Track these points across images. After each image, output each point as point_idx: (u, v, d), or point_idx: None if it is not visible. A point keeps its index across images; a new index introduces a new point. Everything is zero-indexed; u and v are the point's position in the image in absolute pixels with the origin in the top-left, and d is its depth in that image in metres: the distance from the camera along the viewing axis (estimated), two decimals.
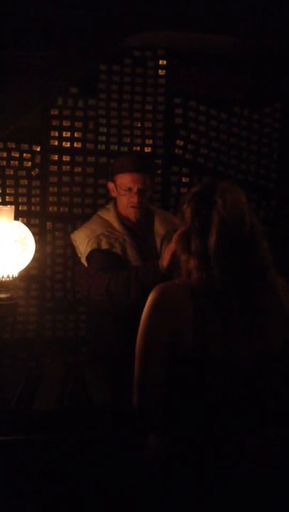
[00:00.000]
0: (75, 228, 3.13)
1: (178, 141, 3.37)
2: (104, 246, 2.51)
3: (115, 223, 2.58)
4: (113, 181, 2.60)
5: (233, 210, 1.61)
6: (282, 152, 3.51)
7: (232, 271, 1.62)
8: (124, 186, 2.53)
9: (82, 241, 2.55)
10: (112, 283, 2.40)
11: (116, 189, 2.58)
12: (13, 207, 2.28)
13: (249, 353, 1.63)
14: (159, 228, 2.63)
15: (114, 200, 2.66)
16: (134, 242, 2.56)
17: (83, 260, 2.53)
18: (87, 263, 2.52)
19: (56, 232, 3.26)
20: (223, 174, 3.39)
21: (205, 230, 1.61)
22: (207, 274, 1.61)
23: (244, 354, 1.63)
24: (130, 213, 2.56)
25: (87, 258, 2.51)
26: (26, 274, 2.95)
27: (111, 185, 2.62)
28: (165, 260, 2.24)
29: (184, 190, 3.38)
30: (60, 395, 2.41)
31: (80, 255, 2.56)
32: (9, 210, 2.25)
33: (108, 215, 2.62)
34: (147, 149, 3.33)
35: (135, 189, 2.52)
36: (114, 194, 2.62)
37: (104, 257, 2.49)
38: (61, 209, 3.26)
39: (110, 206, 2.66)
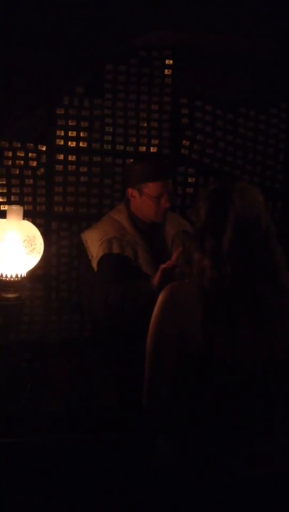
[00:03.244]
0: (80, 228, 3.13)
1: (184, 142, 3.35)
2: (116, 250, 2.50)
3: (127, 225, 2.57)
4: (136, 188, 2.56)
5: (250, 210, 1.60)
6: (288, 153, 3.49)
7: (244, 271, 1.61)
8: (155, 194, 2.52)
9: (94, 243, 2.54)
10: (110, 297, 2.41)
11: (140, 196, 2.55)
12: (21, 207, 2.28)
13: (257, 355, 1.62)
14: (169, 229, 2.63)
15: (125, 201, 2.64)
16: (146, 244, 2.55)
17: (94, 263, 2.53)
18: (97, 268, 2.52)
19: (61, 232, 3.24)
20: (229, 175, 3.38)
21: (220, 229, 1.60)
22: (219, 273, 1.60)
23: (252, 356, 1.62)
24: (158, 218, 2.56)
25: (98, 263, 2.51)
26: (31, 274, 2.93)
27: (132, 191, 2.57)
28: (156, 278, 2.27)
29: (189, 190, 3.36)
30: (67, 397, 2.41)
31: (90, 257, 2.55)
32: (18, 209, 2.25)
33: (120, 216, 2.61)
34: (153, 149, 3.31)
35: (167, 195, 2.52)
36: (135, 200, 2.58)
37: (115, 262, 2.49)
38: (67, 209, 3.24)
39: (121, 207, 2.64)
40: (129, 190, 2.59)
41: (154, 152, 3.28)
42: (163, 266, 2.27)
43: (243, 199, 1.60)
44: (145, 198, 2.52)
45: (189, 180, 3.37)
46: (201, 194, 1.69)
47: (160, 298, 1.67)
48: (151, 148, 3.31)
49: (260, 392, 1.65)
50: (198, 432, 1.66)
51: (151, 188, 2.51)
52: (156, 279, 2.29)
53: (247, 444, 1.65)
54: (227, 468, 1.65)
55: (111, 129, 3.26)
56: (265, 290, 1.64)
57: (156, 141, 3.32)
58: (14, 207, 2.25)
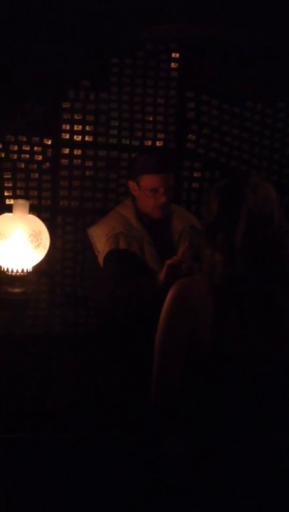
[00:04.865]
0: (85, 223, 3.12)
1: (190, 136, 3.33)
2: (122, 246, 2.49)
3: (133, 220, 2.55)
4: (135, 181, 2.56)
5: (262, 206, 1.58)
6: None
7: (256, 268, 1.59)
8: (150, 187, 2.50)
9: (100, 239, 2.52)
10: (116, 293, 2.41)
11: (138, 189, 2.54)
12: (27, 201, 2.26)
13: (267, 352, 1.61)
14: (176, 224, 2.61)
15: (132, 195, 2.63)
16: (152, 240, 2.54)
17: (100, 259, 2.51)
18: (103, 264, 2.50)
19: (67, 227, 3.22)
20: (235, 169, 3.36)
21: (232, 224, 1.57)
22: (231, 269, 1.58)
23: (262, 354, 1.60)
24: (156, 213, 2.54)
25: (105, 259, 2.49)
26: (36, 269, 2.92)
27: (132, 184, 2.58)
28: (162, 274, 2.25)
29: (195, 185, 3.35)
30: (72, 393, 2.40)
31: (96, 253, 2.53)
32: (24, 204, 2.24)
33: (126, 211, 2.59)
34: (159, 143, 3.29)
35: (162, 190, 2.50)
36: (135, 193, 2.58)
37: (121, 258, 2.47)
38: (72, 203, 3.22)
39: (128, 202, 2.63)
40: (130, 183, 2.59)
41: (159, 146, 3.26)
42: (169, 261, 2.26)
43: (256, 194, 1.58)
44: (142, 192, 2.52)
45: (195, 174, 3.35)
46: (213, 188, 1.67)
47: (169, 294, 1.66)
48: (157, 142, 3.29)
49: (269, 389, 1.63)
50: (206, 430, 1.65)
51: (146, 180, 2.50)
52: (162, 275, 2.28)
53: (256, 442, 1.64)
54: (235, 466, 1.63)
55: (117, 123, 3.23)
56: (276, 288, 1.62)
57: (162, 135, 3.29)
58: (20, 201, 2.23)
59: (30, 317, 3.20)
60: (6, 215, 2.24)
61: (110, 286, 2.42)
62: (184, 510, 1.69)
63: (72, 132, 3.19)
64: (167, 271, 2.25)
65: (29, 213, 2.32)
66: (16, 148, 3.12)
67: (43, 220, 3.07)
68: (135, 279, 2.40)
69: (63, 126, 3.17)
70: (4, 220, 2.20)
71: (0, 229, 2.16)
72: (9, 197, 3.08)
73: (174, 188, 3.25)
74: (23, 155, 3.13)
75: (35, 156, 3.15)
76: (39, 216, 3.03)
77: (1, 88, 2.99)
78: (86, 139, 3.20)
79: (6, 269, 2.20)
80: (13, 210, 2.21)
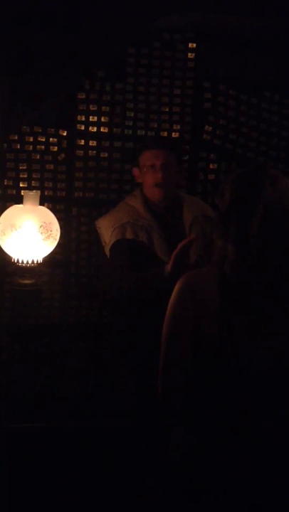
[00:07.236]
0: (100, 214, 3.12)
1: (206, 127, 3.30)
2: (129, 236, 2.47)
3: (142, 209, 2.54)
4: (138, 165, 2.57)
5: (280, 201, 1.54)
6: None
7: (269, 263, 1.56)
8: (148, 163, 2.50)
9: (107, 230, 2.52)
10: (124, 283, 2.39)
11: (141, 172, 2.55)
12: (38, 192, 2.27)
13: (274, 348, 1.59)
14: (187, 214, 2.59)
15: (140, 186, 2.62)
16: (161, 229, 2.52)
17: (106, 251, 2.50)
18: (110, 254, 2.49)
19: (81, 218, 3.23)
20: (252, 161, 3.32)
21: (248, 216, 1.54)
22: (243, 260, 1.55)
23: (269, 349, 1.58)
24: (156, 193, 2.52)
25: (111, 249, 2.48)
26: (51, 260, 2.94)
27: (136, 171, 2.59)
28: (169, 265, 2.23)
29: (211, 176, 3.32)
30: (83, 383, 2.41)
31: (103, 244, 2.53)
32: (35, 195, 2.25)
33: (135, 201, 2.58)
34: (175, 134, 3.27)
35: (158, 164, 2.49)
36: (139, 180, 2.59)
37: (128, 248, 2.46)
38: (87, 194, 3.22)
39: (137, 192, 2.62)
40: (134, 171, 2.61)
41: (175, 137, 3.24)
42: (175, 252, 2.22)
43: (274, 188, 1.54)
44: (143, 171, 2.53)
45: (211, 166, 3.33)
46: (229, 176, 1.63)
47: (176, 286, 1.64)
48: (173, 133, 3.27)
49: (275, 384, 1.62)
50: (213, 422, 1.64)
51: (144, 157, 2.54)
52: (169, 266, 2.25)
53: (261, 434, 1.63)
54: (242, 461, 1.63)
55: (132, 114, 3.22)
56: (287, 284, 1.59)
57: (178, 126, 3.27)
58: (31, 192, 2.24)
59: (45, 307, 3.22)
60: (17, 206, 2.25)
61: (116, 278, 2.41)
62: (192, 501, 1.69)
63: (87, 123, 3.19)
64: (174, 262, 2.22)
65: (43, 204, 2.34)
66: (31, 139, 3.13)
67: (58, 211, 3.10)
68: (142, 269, 2.39)
69: (78, 117, 3.18)
70: (15, 212, 2.21)
71: (10, 220, 2.18)
72: (24, 188, 3.09)
73: (190, 178, 3.27)
74: (38, 146, 3.14)
75: (51, 147, 3.16)
76: (54, 207, 3.06)
77: (17, 79, 3.00)
78: (101, 130, 3.20)
79: (16, 261, 2.21)
80: (24, 202, 2.22)
